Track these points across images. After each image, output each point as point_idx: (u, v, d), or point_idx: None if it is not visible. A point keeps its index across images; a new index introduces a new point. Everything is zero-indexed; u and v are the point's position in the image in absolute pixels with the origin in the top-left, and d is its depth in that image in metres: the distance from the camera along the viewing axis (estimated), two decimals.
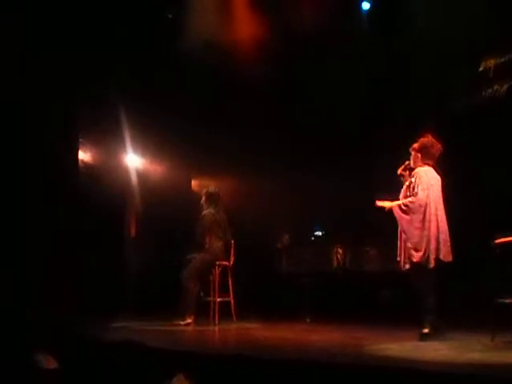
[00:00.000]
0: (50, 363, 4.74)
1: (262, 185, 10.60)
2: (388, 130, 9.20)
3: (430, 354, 5.62)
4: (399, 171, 7.38)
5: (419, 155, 7.23)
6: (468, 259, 8.53)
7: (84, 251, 9.37)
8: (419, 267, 6.91)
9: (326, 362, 5.17)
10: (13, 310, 7.64)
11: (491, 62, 9.21)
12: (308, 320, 9.38)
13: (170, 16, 10.94)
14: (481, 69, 9.35)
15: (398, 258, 7.13)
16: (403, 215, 7.01)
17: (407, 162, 7.34)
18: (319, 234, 10.30)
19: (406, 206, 7.01)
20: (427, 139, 7.23)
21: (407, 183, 7.21)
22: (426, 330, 6.83)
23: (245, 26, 10.77)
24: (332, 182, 9.50)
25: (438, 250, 6.92)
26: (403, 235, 7.05)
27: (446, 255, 6.97)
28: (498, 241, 6.44)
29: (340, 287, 9.64)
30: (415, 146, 7.27)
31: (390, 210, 7.13)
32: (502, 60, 9.08)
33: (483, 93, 9.30)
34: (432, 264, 6.87)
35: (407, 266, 7.01)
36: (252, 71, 10.36)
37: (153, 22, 10.46)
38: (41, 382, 4.45)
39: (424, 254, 6.90)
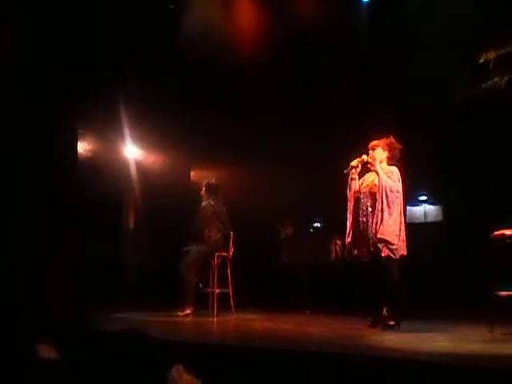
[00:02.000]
0: (50, 353, 4.75)
1: (262, 176, 10.60)
2: (387, 124, 9.22)
3: (429, 345, 5.63)
4: (356, 163, 7.37)
5: (386, 154, 7.29)
6: (467, 252, 8.57)
7: (83, 242, 9.38)
8: (389, 257, 7.01)
9: (325, 352, 5.18)
10: (13, 300, 7.63)
11: (492, 54, 9.21)
12: (307, 311, 9.42)
13: (171, 6, 10.93)
14: (481, 61, 9.35)
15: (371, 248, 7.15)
16: (387, 192, 7.08)
17: (364, 157, 7.36)
18: (318, 225, 10.32)
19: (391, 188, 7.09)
20: (393, 140, 7.30)
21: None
22: (392, 322, 6.94)
23: (245, 17, 10.78)
24: (333, 173, 9.47)
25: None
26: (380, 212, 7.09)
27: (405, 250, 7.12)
28: (496, 233, 6.45)
29: (339, 279, 9.66)
30: (381, 144, 7.32)
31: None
32: (503, 52, 9.09)
33: (483, 85, 9.31)
34: (399, 256, 7.02)
35: (382, 252, 7.05)
36: (252, 61, 10.36)
37: (154, 13, 10.44)
38: (41, 372, 4.45)
39: (398, 242, 7.02)
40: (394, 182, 7.08)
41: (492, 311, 6.34)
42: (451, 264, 9.01)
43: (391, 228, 6.99)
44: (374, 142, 7.36)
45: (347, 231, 7.39)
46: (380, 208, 7.04)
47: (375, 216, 7.05)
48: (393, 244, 6.97)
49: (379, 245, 7.00)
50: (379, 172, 7.14)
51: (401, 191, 7.09)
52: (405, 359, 4.75)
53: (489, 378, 4.06)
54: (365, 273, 7.43)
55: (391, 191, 7.06)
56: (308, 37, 10.32)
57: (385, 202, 7.04)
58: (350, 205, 7.41)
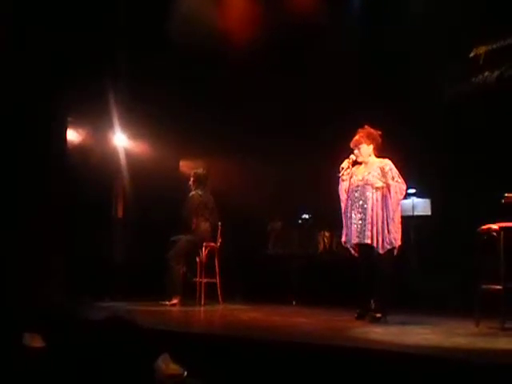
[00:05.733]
0: (36, 342, 4.74)
1: (251, 167, 10.59)
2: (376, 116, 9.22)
3: (415, 338, 5.65)
4: (346, 164, 7.31)
5: (372, 146, 7.29)
6: (454, 246, 8.59)
7: (71, 231, 9.36)
8: (388, 252, 7.03)
9: (311, 343, 5.19)
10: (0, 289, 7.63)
11: (482, 49, 9.21)
12: (294, 302, 9.44)
13: None
14: (471, 55, 9.36)
15: (370, 241, 7.05)
16: (396, 195, 7.08)
17: (352, 156, 7.35)
18: (306, 216, 10.32)
19: (400, 187, 7.10)
20: (371, 129, 7.30)
21: (375, 173, 7.21)
22: (379, 315, 6.96)
23: (237, 6, 10.76)
24: (321, 164, 9.47)
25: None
26: (386, 214, 7.07)
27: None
28: (483, 227, 6.47)
29: (326, 270, 9.68)
30: (363, 139, 7.29)
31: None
32: (493, 47, 9.10)
33: (473, 79, 9.32)
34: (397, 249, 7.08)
35: (384, 249, 7.04)
36: (243, 52, 10.34)
37: (144, 1, 10.41)
38: (27, 361, 4.45)
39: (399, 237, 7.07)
40: (397, 181, 7.08)
41: (479, 305, 6.37)
42: (439, 258, 9.04)
43: (398, 225, 7.04)
44: (356, 138, 7.32)
45: (343, 231, 7.37)
46: (392, 215, 7.03)
47: (388, 217, 7.02)
48: (397, 240, 7.01)
49: (386, 243, 7.01)
50: (391, 184, 7.10)
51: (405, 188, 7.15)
52: (390, 351, 4.76)
53: (474, 372, 4.08)
54: (353, 265, 7.44)
55: (401, 194, 7.11)
56: (300, 29, 10.29)
57: (394, 205, 7.05)
58: (344, 206, 7.40)
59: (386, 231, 6.99)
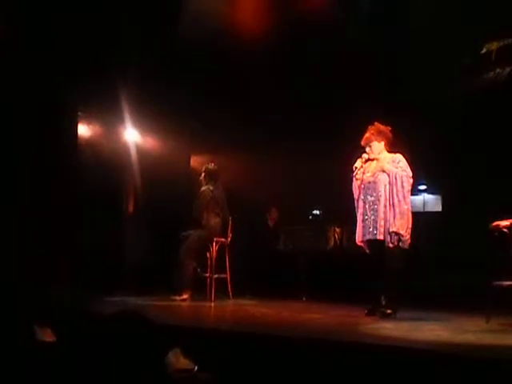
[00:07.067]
0: (47, 336, 4.76)
1: (262, 163, 10.58)
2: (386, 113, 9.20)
3: (425, 334, 5.65)
4: (360, 164, 7.32)
5: (383, 143, 7.29)
6: (465, 242, 8.58)
7: (82, 226, 9.38)
8: (398, 248, 7.03)
9: (321, 339, 5.19)
10: (11, 282, 7.64)
11: (494, 45, 9.19)
12: (304, 298, 9.44)
13: None
14: (483, 51, 9.33)
15: (382, 236, 7.05)
16: (403, 184, 7.07)
17: (365, 155, 7.35)
18: (317, 212, 10.33)
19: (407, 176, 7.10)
20: (380, 126, 7.29)
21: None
22: (389, 311, 6.96)
23: (245, 3, 10.75)
24: (332, 160, 9.46)
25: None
26: (396, 208, 7.06)
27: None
28: (495, 224, 6.46)
29: (337, 266, 9.67)
30: (373, 137, 7.29)
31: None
32: (505, 43, 9.07)
33: (485, 76, 9.29)
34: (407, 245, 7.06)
35: (394, 244, 7.04)
36: (252, 47, 10.33)
37: None
38: (38, 355, 4.46)
39: (408, 233, 7.07)
40: (404, 171, 7.07)
41: (490, 301, 6.35)
42: (449, 254, 9.03)
43: (404, 220, 7.01)
44: (366, 136, 7.33)
45: (357, 231, 7.36)
46: (397, 202, 7.02)
47: (390, 208, 7.02)
48: (404, 236, 7.00)
49: (390, 237, 7.00)
50: (389, 168, 7.12)
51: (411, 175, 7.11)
52: (400, 347, 4.76)
53: (483, 369, 4.07)
54: (363, 261, 7.44)
55: (409, 184, 7.08)
56: (308, 26, 10.28)
57: (400, 195, 7.03)
58: (356, 203, 7.41)
59: (395, 225, 6.98)
